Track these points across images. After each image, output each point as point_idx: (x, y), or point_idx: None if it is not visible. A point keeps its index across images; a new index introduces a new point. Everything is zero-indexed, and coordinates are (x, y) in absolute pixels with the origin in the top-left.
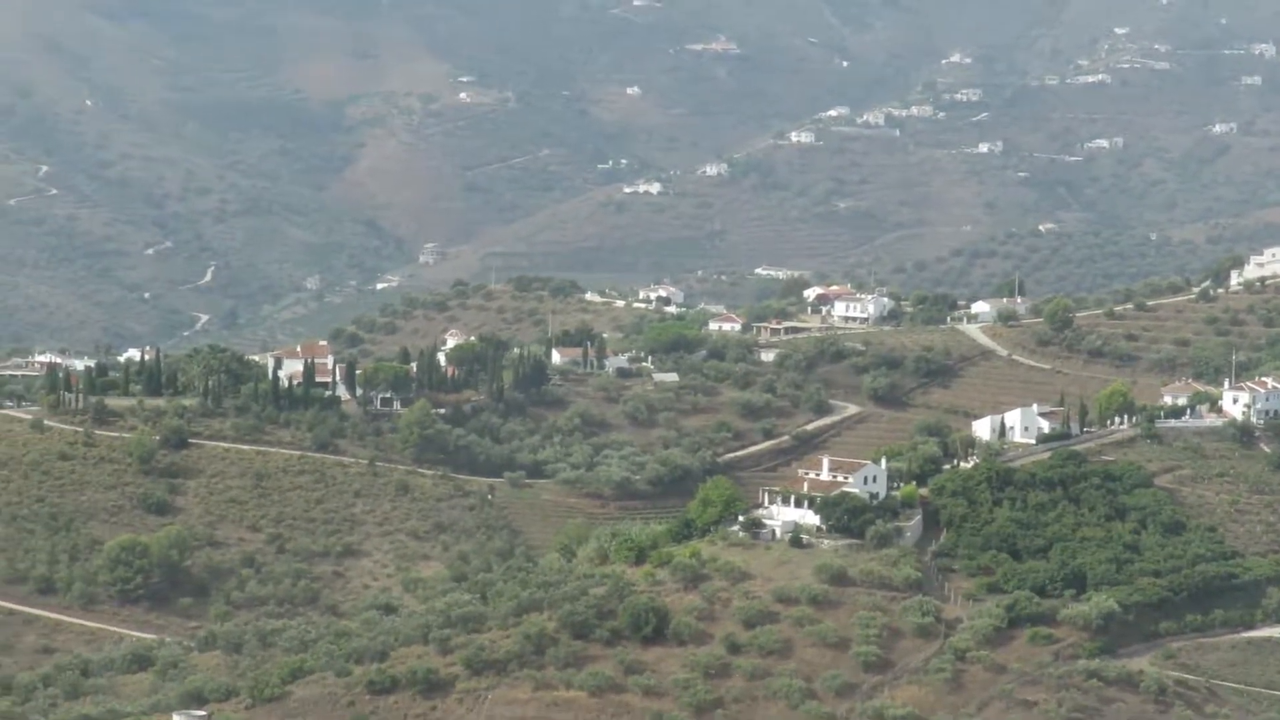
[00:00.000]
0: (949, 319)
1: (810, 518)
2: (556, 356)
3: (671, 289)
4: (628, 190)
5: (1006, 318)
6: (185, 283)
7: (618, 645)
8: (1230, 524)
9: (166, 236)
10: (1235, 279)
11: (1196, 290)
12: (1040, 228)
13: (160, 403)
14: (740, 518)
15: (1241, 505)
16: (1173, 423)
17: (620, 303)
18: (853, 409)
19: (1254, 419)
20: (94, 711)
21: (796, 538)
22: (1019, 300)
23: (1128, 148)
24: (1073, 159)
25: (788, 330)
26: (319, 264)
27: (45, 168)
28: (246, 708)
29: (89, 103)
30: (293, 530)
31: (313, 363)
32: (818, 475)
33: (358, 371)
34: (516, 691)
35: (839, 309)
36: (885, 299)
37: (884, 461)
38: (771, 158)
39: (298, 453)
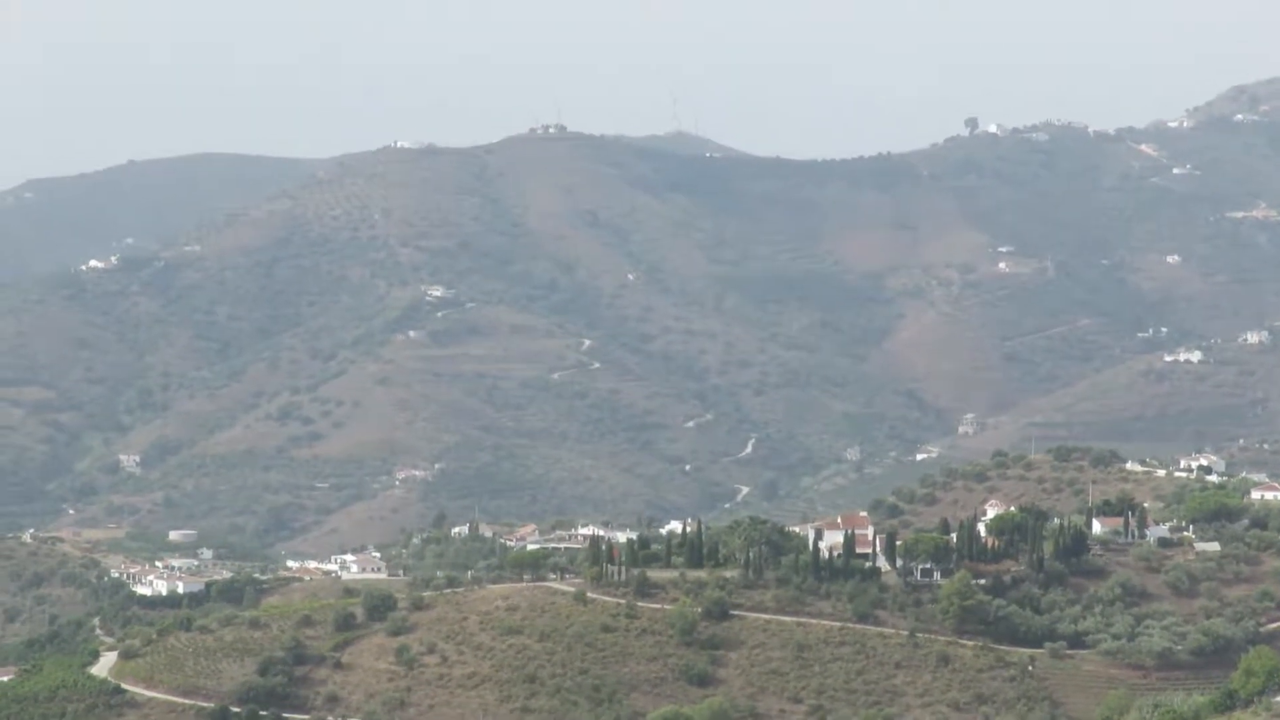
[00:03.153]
0: None
1: None
2: (1097, 526)
3: (1213, 458)
4: (1168, 359)
5: None
6: (726, 455)
7: None
8: None
9: (707, 409)
10: None
11: None
12: None
13: (702, 574)
14: None
15: None
16: None
17: (1161, 472)
18: None
19: None
20: None
21: None
22: None
23: None
24: None
25: None
26: (859, 435)
27: (588, 341)
28: None
29: (631, 277)
30: (834, 701)
31: (853, 534)
32: None
33: (898, 542)
34: None
35: None
36: None
37: None
38: None
39: (838, 624)
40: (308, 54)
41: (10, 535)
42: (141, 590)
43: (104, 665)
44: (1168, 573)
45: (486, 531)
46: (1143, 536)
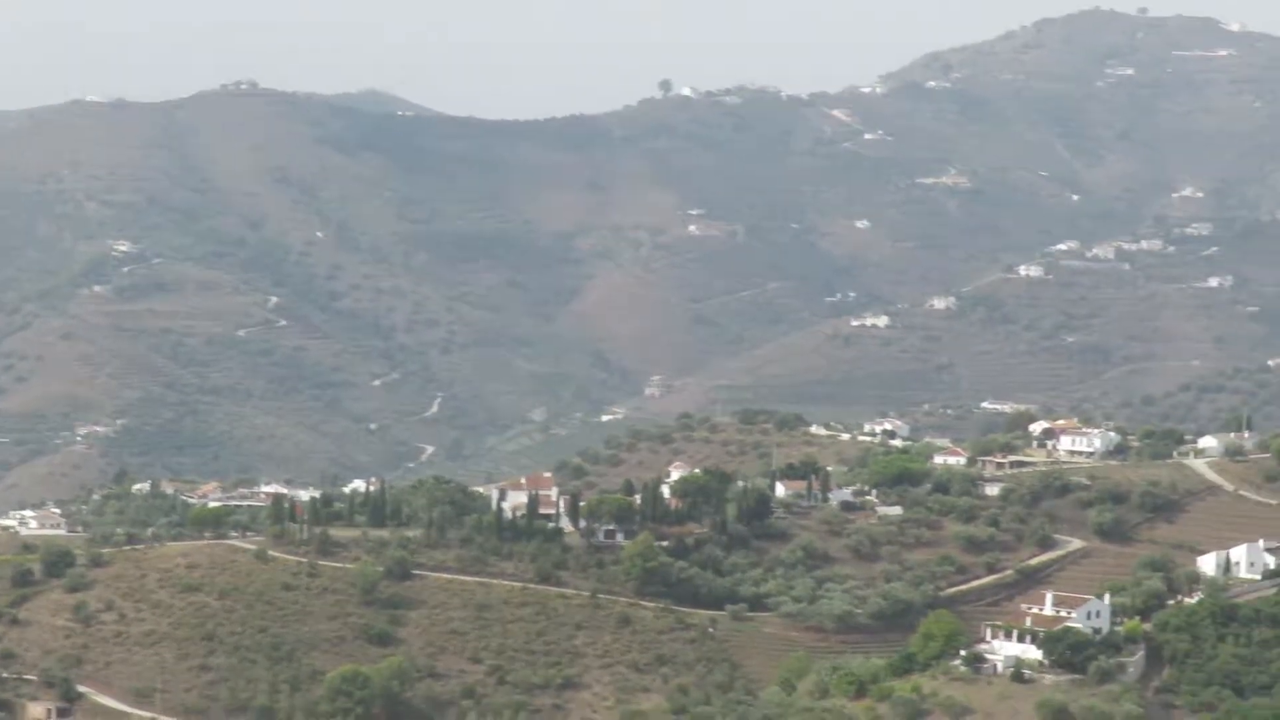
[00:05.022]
0: (1175, 454)
1: (1033, 653)
2: (780, 489)
3: (897, 422)
4: (855, 323)
5: (1234, 453)
6: (411, 414)
7: None
8: None
9: (394, 368)
10: None
11: None
12: (1269, 362)
13: (384, 534)
14: (962, 652)
15: None
16: None
17: (845, 436)
18: (1077, 544)
19: None
20: None
21: (1018, 673)
22: (1246, 435)
23: None
24: None
25: (1013, 464)
26: (545, 396)
27: (275, 299)
28: None
29: (319, 234)
30: (514, 662)
31: (537, 495)
32: (1041, 610)
33: (581, 504)
34: None
35: (1065, 443)
36: (1112, 433)
37: (1107, 597)
38: (1000, 291)
39: (520, 584)
40: None
41: None
42: None
43: None
44: (849, 536)
45: (168, 488)
46: (826, 500)
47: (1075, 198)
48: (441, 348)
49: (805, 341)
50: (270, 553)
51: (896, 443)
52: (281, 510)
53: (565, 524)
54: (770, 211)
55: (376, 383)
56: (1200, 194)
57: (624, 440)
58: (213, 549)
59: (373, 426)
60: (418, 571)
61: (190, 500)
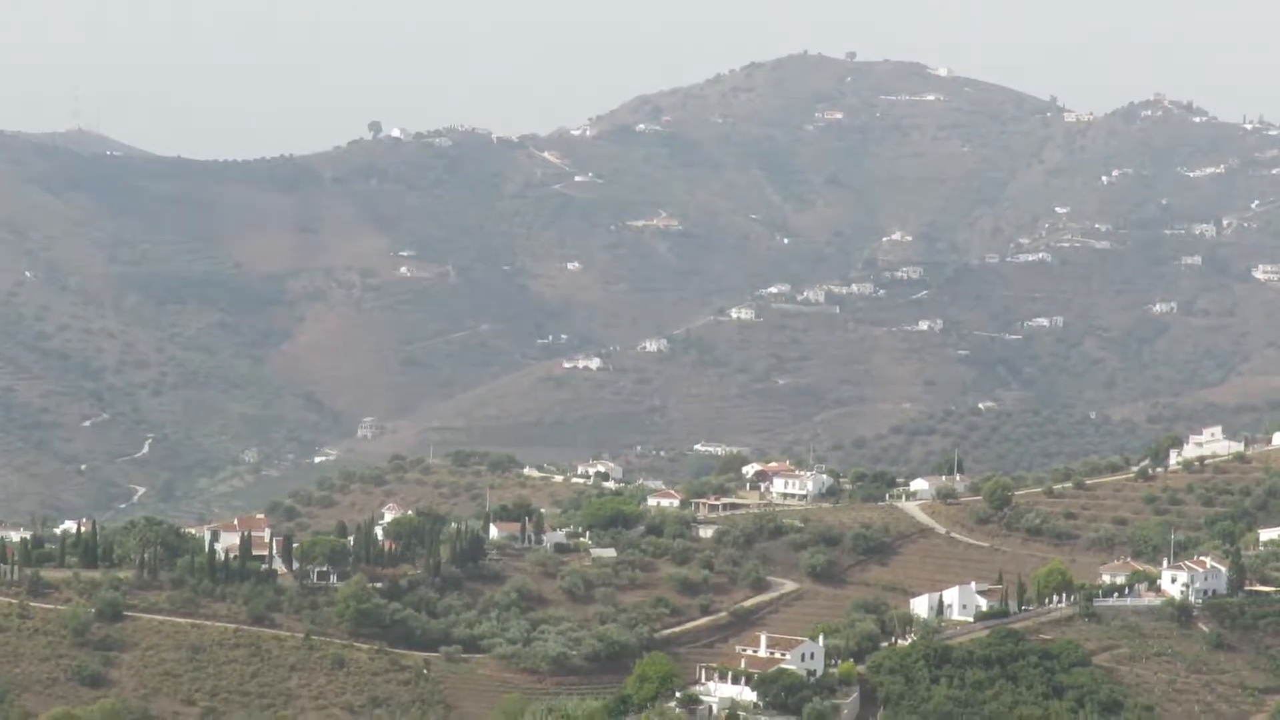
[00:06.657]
0: (887, 496)
1: (747, 694)
2: (494, 531)
3: (610, 465)
4: (567, 365)
5: (945, 495)
6: (122, 455)
7: None
8: (1167, 703)
9: (104, 409)
10: (1174, 458)
11: (1135, 469)
12: (979, 406)
13: (96, 575)
14: (677, 694)
15: (1179, 685)
16: (1111, 602)
17: (558, 478)
18: (790, 586)
19: (1192, 598)
20: None
21: (733, 714)
22: (958, 478)
23: (1068, 326)
24: (1012, 337)
25: (726, 506)
26: (257, 437)
27: None
28: None
29: (28, 274)
30: (227, 704)
31: (249, 536)
32: (755, 652)
33: (294, 545)
34: None
35: (778, 485)
36: (824, 476)
37: (821, 638)
38: (712, 334)
39: (233, 626)
40: None
41: None
42: None
43: None
44: (564, 578)
45: None
46: (540, 542)
47: (785, 241)
48: (152, 389)
49: (518, 383)
50: None
51: (610, 485)
52: None
53: (278, 565)
54: (481, 253)
55: (86, 424)
56: (909, 238)
57: (337, 482)
58: None
59: (83, 468)
60: (130, 613)
61: None
